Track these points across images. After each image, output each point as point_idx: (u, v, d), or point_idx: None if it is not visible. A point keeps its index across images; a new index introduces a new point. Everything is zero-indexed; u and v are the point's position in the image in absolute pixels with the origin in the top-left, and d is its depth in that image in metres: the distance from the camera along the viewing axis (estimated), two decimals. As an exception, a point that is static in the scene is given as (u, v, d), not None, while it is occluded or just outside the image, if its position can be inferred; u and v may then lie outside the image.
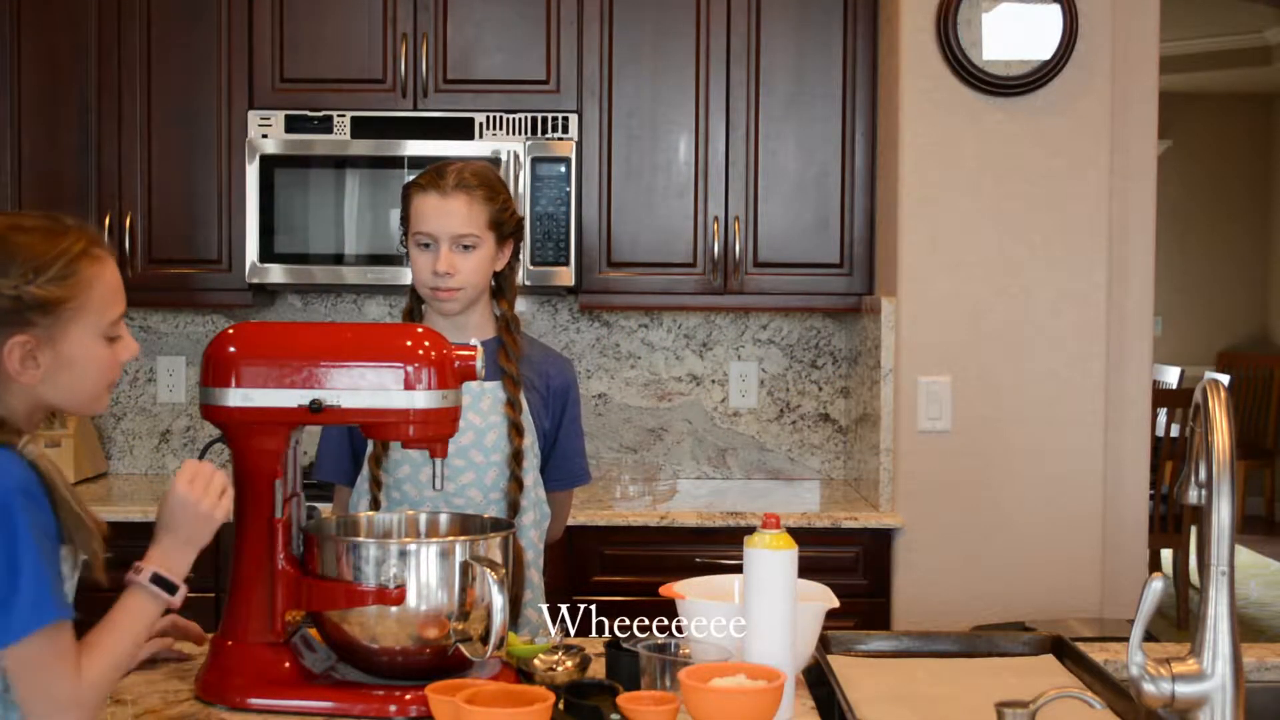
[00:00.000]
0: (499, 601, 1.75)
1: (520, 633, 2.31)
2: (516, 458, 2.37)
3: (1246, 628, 6.16)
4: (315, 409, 1.80)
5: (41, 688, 1.60)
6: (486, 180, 2.39)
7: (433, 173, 2.38)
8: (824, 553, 3.36)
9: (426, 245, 2.35)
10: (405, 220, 2.41)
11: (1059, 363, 3.45)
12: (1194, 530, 6.18)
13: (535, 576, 2.47)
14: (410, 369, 1.81)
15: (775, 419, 4.04)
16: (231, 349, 1.84)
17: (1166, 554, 6.37)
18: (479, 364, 1.86)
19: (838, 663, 2.01)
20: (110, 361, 1.71)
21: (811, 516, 3.43)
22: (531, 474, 2.43)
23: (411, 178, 2.44)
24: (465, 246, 2.34)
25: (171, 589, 1.71)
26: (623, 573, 3.44)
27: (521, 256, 3.56)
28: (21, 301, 1.63)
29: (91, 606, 1.70)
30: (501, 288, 2.46)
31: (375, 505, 2.36)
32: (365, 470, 2.38)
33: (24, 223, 1.69)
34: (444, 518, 2.01)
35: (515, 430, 2.37)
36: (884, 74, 3.64)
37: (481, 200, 2.35)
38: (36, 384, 1.66)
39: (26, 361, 1.65)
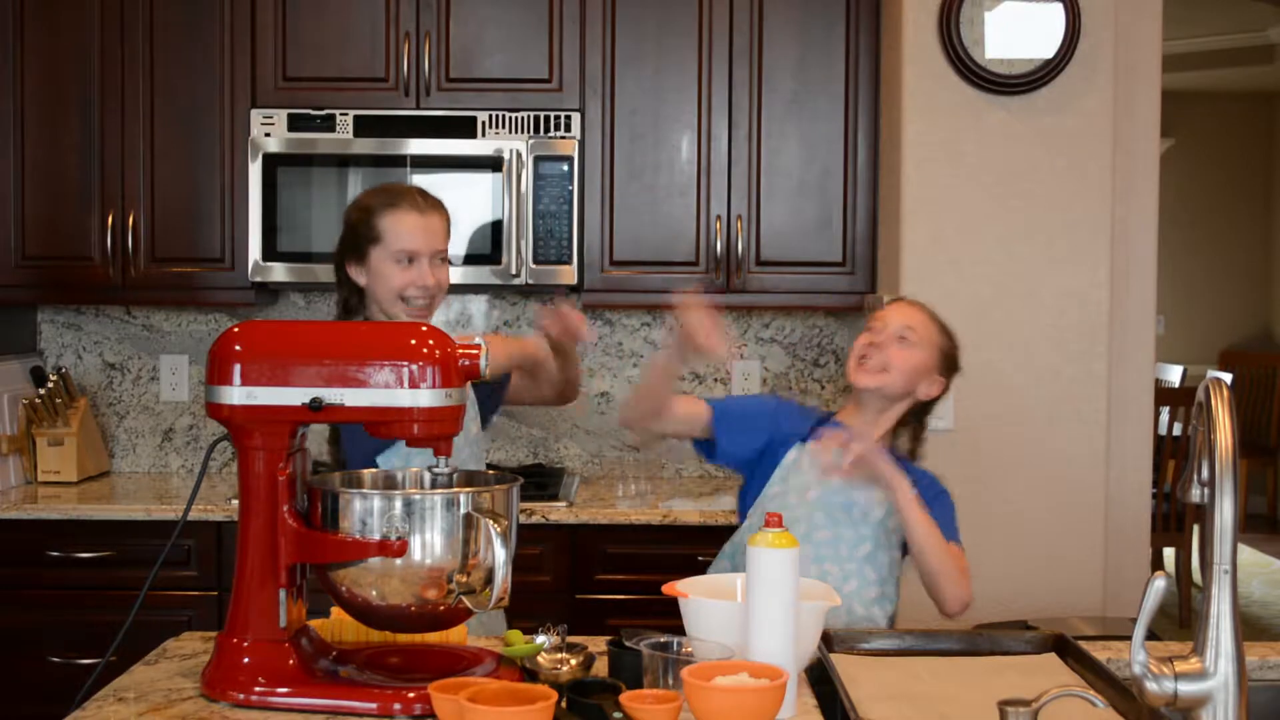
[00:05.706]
0: (502, 554, 1.75)
1: None
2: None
3: (1249, 626, 6.16)
4: (315, 407, 1.80)
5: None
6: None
7: (391, 193, 2.56)
8: (826, 551, 3.35)
9: (407, 260, 2.51)
10: (367, 237, 2.52)
11: (1061, 361, 3.45)
12: (1196, 529, 6.18)
13: None
14: (414, 367, 1.81)
15: (778, 417, 4.04)
16: (237, 347, 1.84)
17: (1169, 553, 6.37)
18: (483, 362, 1.86)
19: (840, 661, 2.01)
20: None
21: (814, 515, 3.42)
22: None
23: (360, 197, 2.68)
24: (441, 259, 2.55)
25: None
26: (625, 571, 3.44)
27: (524, 254, 3.59)
28: None
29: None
30: None
31: None
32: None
33: None
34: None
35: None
36: (886, 73, 3.64)
37: (447, 217, 2.59)
38: None
39: None
